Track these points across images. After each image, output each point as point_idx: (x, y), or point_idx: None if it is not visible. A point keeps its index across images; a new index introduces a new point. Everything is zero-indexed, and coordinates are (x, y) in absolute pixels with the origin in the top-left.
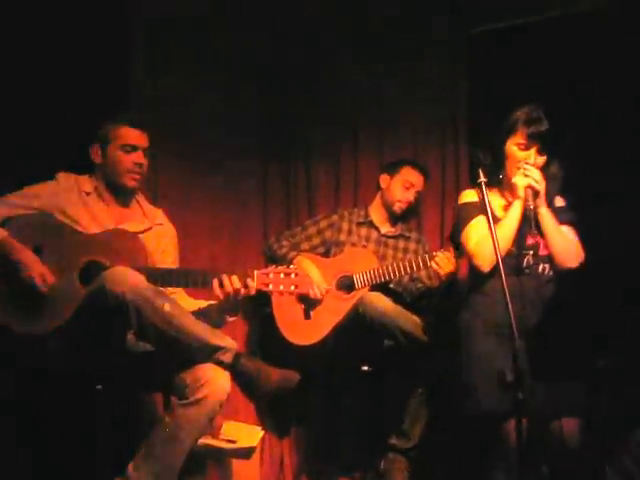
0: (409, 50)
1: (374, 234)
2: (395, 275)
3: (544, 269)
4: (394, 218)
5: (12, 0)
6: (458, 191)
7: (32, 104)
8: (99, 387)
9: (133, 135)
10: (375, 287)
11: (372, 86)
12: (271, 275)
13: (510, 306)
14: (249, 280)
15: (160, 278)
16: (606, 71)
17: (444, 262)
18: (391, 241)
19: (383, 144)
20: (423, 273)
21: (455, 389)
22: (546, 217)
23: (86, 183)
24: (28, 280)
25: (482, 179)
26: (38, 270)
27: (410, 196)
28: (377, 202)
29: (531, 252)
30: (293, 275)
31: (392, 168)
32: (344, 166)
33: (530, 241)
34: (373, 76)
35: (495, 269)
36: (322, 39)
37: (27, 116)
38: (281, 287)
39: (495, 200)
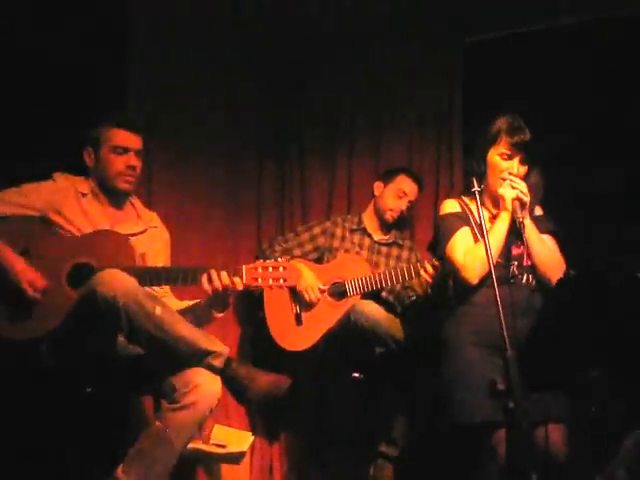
0: (407, 54)
1: (367, 241)
2: (387, 283)
3: (528, 279)
4: (387, 226)
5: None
6: None
7: (31, 104)
8: (89, 389)
9: (124, 137)
10: (367, 295)
11: (371, 87)
12: (259, 269)
13: (502, 316)
14: (236, 278)
15: (149, 277)
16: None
17: (433, 271)
18: (384, 248)
19: (379, 148)
20: (415, 282)
21: (444, 399)
22: (530, 228)
23: (83, 184)
24: (18, 289)
25: (476, 188)
26: (27, 278)
27: (402, 205)
28: (370, 209)
29: (516, 262)
30: (281, 268)
31: (387, 176)
32: (339, 168)
33: (515, 252)
34: (372, 77)
35: (482, 280)
36: (322, 39)
37: (26, 116)
38: (270, 281)
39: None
